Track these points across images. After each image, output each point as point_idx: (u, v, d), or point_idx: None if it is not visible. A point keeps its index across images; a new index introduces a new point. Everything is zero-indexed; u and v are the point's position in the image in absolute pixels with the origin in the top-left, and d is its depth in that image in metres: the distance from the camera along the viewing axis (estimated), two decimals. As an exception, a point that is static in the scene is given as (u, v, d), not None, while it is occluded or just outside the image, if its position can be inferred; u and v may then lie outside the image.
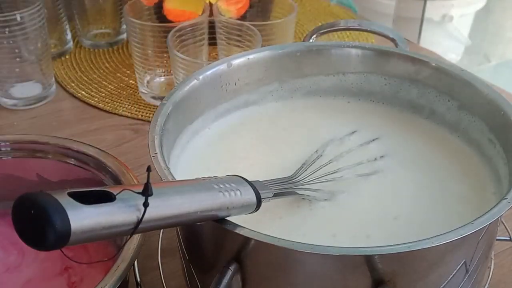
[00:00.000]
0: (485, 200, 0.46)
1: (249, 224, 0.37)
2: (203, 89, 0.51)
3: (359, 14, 1.10)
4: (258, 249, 0.38)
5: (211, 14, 0.77)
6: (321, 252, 0.35)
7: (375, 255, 0.35)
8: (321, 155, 0.50)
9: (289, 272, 0.38)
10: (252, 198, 0.38)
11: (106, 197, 0.30)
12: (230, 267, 0.38)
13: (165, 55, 0.75)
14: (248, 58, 0.54)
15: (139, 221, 0.31)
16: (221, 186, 0.37)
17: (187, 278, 0.46)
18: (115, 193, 0.30)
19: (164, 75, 0.78)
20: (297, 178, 0.46)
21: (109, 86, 0.81)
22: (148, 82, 0.78)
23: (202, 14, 0.75)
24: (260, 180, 0.42)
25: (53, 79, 0.80)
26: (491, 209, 0.38)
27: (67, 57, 0.88)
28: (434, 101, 0.53)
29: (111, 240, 0.51)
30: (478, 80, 0.50)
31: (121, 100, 0.79)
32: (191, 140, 0.52)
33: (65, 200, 0.28)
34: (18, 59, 0.74)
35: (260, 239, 0.36)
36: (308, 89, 0.57)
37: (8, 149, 0.53)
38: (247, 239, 0.37)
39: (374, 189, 0.47)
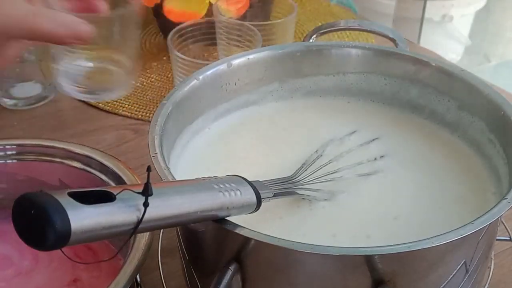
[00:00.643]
0: (485, 200, 0.46)
1: (249, 224, 0.37)
2: (203, 89, 0.51)
3: (359, 14, 1.10)
4: (258, 249, 0.38)
5: (211, 14, 0.77)
6: (321, 252, 0.35)
7: (375, 255, 0.35)
8: (321, 155, 0.50)
9: (289, 272, 0.38)
10: (252, 198, 0.39)
11: (106, 197, 0.30)
12: (230, 267, 0.38)
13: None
14: (248, 58, 0.54)
15: (139, 221, 0.31)
16: (221, 186, 0.37)
17: (187, 278, 0.46)
18: (115, 193, 0.30)
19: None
20: (297, 178, 0.46)
21: (109, 86, 0.81)
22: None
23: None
24: (260, 180, 0.42)
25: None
26: (491, 209, 0.38)
27: (67, 57, 0.88)
28: (434, 101, 0.53)
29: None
30: (478, 80, 0.50)
31: (121, 100, 0.79)
32: (191, 140, 0.52)
33: (65, 200, 0.28)
34: (18, 59, 0.74)
35: (260, 239, 0.36)
36: (308, 89, 0.57)
37: (14, 152, 0.53)
38: (247, 239, 0.37)
39: (374, 189, 0.47)
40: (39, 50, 0.75)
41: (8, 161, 0.53)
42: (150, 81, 0.83)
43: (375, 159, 0.50)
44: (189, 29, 0.74)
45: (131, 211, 0.31)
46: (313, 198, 0.46)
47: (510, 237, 0.55)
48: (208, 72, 0.52)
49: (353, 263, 0.36)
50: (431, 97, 0.53)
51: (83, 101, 0.78)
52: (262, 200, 0.39)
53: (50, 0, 0.46)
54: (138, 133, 0.73)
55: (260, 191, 0.39)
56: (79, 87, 0.58)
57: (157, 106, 0.47)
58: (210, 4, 0.78)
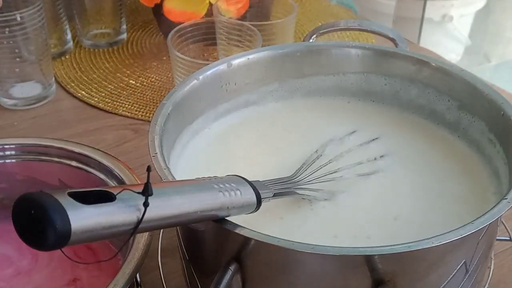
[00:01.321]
0: (485, 200, 0.46)
1: (249, 224, 0.37)
2: (203, 89, 0.51)
3: (359, 14, 1.10)
4: (258, 249, 0.38)
5: (211, 14, 0.77)
6: (321, 252, 0.35)
7: (375, 255, 0.35)
8: (321, 155, 0.50)
9: (289, 272, 0.38)
10: (252, 198, 0.39)
11: (106, 197, 0.30)
12: (230, 267, 0.38)
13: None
14: (248, 58, 0.54)
15: (139, 221, 0.31)
16: (221, 186, 0.37)
17: (187, 278, 0.46)
18: (115, 193, 0.30)
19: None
20: (297, 178, 0.46)
21: (109, 86, 0.81)
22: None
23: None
24: (260, 180, 0.42)
25: (53, 79, 0.80)
26: (491, 209, 0.38)
27: (67, 57, 0.88)
28: (434, 101, 0.53)
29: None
30: (478, 80, 0.50)
31: (121, 100, 0.79)
32: (191, 140, 0.52)
33: (65, 200, 0.28)
34: (18, 59, 0.74)
35: (260, 239, 0.36)
36: (308, 89, 0.57)
37: (13, 152, 0.53)
38: (247, 239, 0.37)
39: (374, 189, 0.47)
40: (39, 50, 0.75)
41: (8, 161, 0.53)
42: (150, 81, 0.83)
43: (375, 159, 0.50)
44: (189, 29, 0.74)
45: (131, 211, 0.31)
46: (313, 198, 0.46)
47: (510, 237, 0.55)
48: (208, 72, 0.52)
49: (353, 263, 0.36)
50: (431, 97, 0.53)
51: (83, 101, 0.78)
52: (262, 200, 0.39)
53: None
54: (138, 133, 0.73)
55: (260, 191, 0.39)
56: None
57: (157, 106, 0.47)
58: (210, 4, 0.78)
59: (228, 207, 0.37)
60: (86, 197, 0.29)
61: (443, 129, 0.53)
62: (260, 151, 0.52)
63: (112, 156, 0.52)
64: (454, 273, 0.39)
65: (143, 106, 0.78)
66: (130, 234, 0.31)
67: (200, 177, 0.38)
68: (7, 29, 0.71)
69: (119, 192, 0.31)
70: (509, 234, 0.55)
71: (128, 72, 0.85)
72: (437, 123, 0.54)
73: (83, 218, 0.28)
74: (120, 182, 0.50)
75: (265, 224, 0.43)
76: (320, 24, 0.68)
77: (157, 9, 0.85)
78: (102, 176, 0.52)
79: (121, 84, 0.82)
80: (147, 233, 0.45)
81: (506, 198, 0.39)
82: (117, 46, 0.91)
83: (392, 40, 0.60)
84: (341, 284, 0.38)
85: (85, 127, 0.74)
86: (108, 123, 0.75)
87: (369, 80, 0.56)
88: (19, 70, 0.75)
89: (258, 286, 0.40)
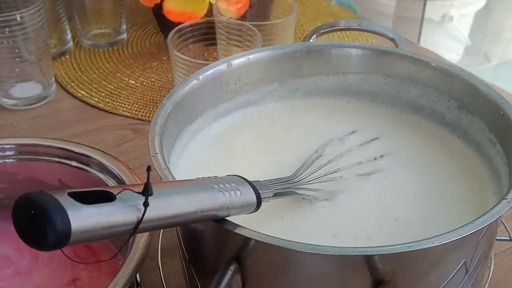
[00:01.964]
0: (485, 200, 0.46)
1: (250, 225, 0.37)
2: (203, 89, 0.51)
3: (359, 14, 1.10)
4: (258, 249, 0.38)
5: (211, 14, 0.77)
6: (321, 252, 0.35)
7: (375, 255, 0.35)
8: (321, 155, 0.50)
9: (289, 272, 0.38)
10: (252, 198, 0.39)
11: (106, 197, 0.30)
12: (230, 267, 0.38)
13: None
14: (248, 58, 0.54)
15: (139, 221, 0.31)
16: (221, 186, 0.37)
17: (187, 278, 0.46)
18: (115, 193, 0.30)
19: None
20: (297, 178, 0.46)
21: (109, 86, 0.81)
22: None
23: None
24: (260, 180, 0.42)
25: (53, 79, 0.80)
26: (491, 209, 0.38)
27: (67, 57, 0.88)
28: (434, 101, 0.53)
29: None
30: (478, 80, 0.50)
31: (121, 100, 0.79)
32: (191, 140, 0.52)
33: (65, 200, 0.28)
34: (18, 59, 0.74)
35: (260, 239, 0.36)
36: (308, 89, 0.57)
37: (13, 152, 0.53)
38: (247, 239, 0.37)
39: (374, 189, 0.47)
40: (39, 50, 0.75)
41: (8, 161, 0.53)
42: (150, 81, 0.83)
43: (375, 159, 0.50)
44: (189, 29, 0.74)
45: (131, 211, 0.31)
46: (313, 198, 0.45)
47: (510, 237, 0.55)
48: (208, 72, 0.52)
49: (353, 263, 0.36)
50: (431, 97, 0.53)
51: (83, 101, 0.78)
52: (262, 200, 0.39)
53: None
54: (138, 133, 0.73)
55: (260, 191, 0.39)
56: None
57: (157, 106, 0.47)
58: (210, 4, 0.78)
59: (228, 207, 0.37)
60: (86, 197, 0.29)
61: (443, 129, 0.53)
62: (260, 151, 0.52)
63: (112, 156, 0.52)
64: (454, 273, 0.39)
65: (143, 106, 0.78)
66: (130, 234, 0.31)
67: (200, 177, 0.38)
68: (7, 29, 0.71)
69: (119, 192, 0.31)
70: (509, 234, 0.55)
71: (128, 72, 0.85)
72: (437, 123, 0.54)
73: (83, 218, 0.28)
74: (120, 182, 0.50)
75: (265, 224, 0.43)
76: (320, 24, 0.68)
77: (157, 9, 0.85)
78: (102, 176, 0.52)
79: (121, 84, 0.82)
80: (147, 233, 0.45)
81: (506, 198, 0.39)
82: (117, 46, 0.91)
83: (392, 40, 0.60)
84: (341, 284, 0.38)
85: (85, 127, 0.74)
86: (108, 123, 0.75)
87: (369, 80, 0.56)
88: (19, 70, 0.75)
89: (258, 286, 0.40)
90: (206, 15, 0.78)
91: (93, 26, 0.90)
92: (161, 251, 0.53)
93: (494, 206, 0.38)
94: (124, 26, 0.91)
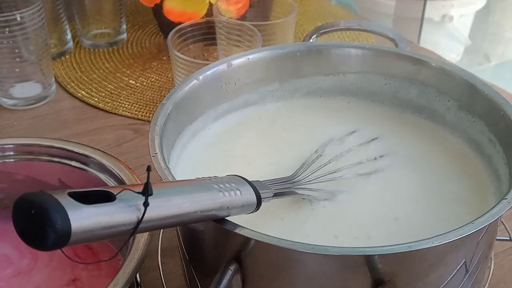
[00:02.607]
0: (485, 200, 0.46)
1: (249, 224, 0.37)
2: (203, 89, 0.51)
3: (359, 14, 1.10)
4: (258, 249, 0.38)
5: (211, 14, 0.77)
6: (321, 252, 0.35)
7: (375, 255, 0.35)
8: (321, 155, 0.50)
9: (289, 272, 0.38)
10: (252, 197, 0.38)
11: (106, 197, 0.30)
12: (230, 267, 0.38)
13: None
14: (248, 58, 0.54)
15: (139, 221, 0.31)
16: (221, 186, 0.37)
17: (187, 278, 0.46)
18: (115, 193, 0.30)
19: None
20: (297, 178, 0.46)
21: (109, 86, 0.81)
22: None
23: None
24: (260, 180, 0.42)
25: (53, 79, 0.80)
26: (491, 209, 0.38)
27: (67, 57, 0.88)
28: (434, 101, 0.53)
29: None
30: (478, 80, 0.50)
31: (121, 100, 0.79)
32: (191, 140, 0.52)
33: (65, 200, 0.28)
34: (18, 59, 0.74)
35: (260, 239, 0.36)
36: (308, 89, 0.57)
37: (13, 152, 0.53)
38: (247, 239, 0.37)
39: (374, 188, 0.47)
40: (39, 50, 0.75)
41: (8, 161, 0.53)
42: (150, 81, 0.83)
43: (375, 158, 0.50)
44: (189, 29, 0.74)
45: (131, 211, 0.31)
46: (313, 198, 0.45)
47: (510, 237, 0.55)
48: (208, 72, 0.52)
49: (353, 263, 0.36)
50: (431, 97, 0.53)
51: (83, 101, 0.78)
52: (262, 200, 0.39)
53: None
54: (138, 133, 0.73)
55: (260, 191, 0.39)
56: None
57: (157, 106, 0.47)
58: (210, 4, 0.78)
59: (228, 207, 0.37)
60: (86, 197, 0.29)
61: (443, 129, 0.53)
62: (260, 151, 0.52)
63: (112, 156, 0.52)
64: (454, 273, 0.39)
65: (143, 106, 0.78)
66: (130, 234, 0.31)
67: (200, 177, 0.38)
68: (7, 29, 0.71)
69: (119, 192, 0.30)
70: (509, 234, 0.55)
71: (128, 72, 0.85)
72: (437, 123, 0.54)
73: (83, 218, 0.28)
74: (120, 182, 0.50)
75: (265, 224, 0.43)
76: (320, 24, 0.68)
77: (157, 9, 0.85)
78: (102, 176, 0.52)
79: (121, 84, 0.82)
80: (147, 233, 0.45)
81: (506, 198, 0.39)
82: (117, 46, 0.91)
83: (392, 40, 0.60)
84: (341, 284, 0.38)
85: (85, 127, 0.74)
86: (108, 123, 0.75)
87: (369, 80, 0.56)
88: (19, 70, 0.75)
89: (258, 286, 0.40)
90: (206, 15, 0.78)
91: (93, 26, 0.90)
92: (161, 251, 0.53)
93: (494, 206, 0.38)
94: (124, 26, 0.91)
